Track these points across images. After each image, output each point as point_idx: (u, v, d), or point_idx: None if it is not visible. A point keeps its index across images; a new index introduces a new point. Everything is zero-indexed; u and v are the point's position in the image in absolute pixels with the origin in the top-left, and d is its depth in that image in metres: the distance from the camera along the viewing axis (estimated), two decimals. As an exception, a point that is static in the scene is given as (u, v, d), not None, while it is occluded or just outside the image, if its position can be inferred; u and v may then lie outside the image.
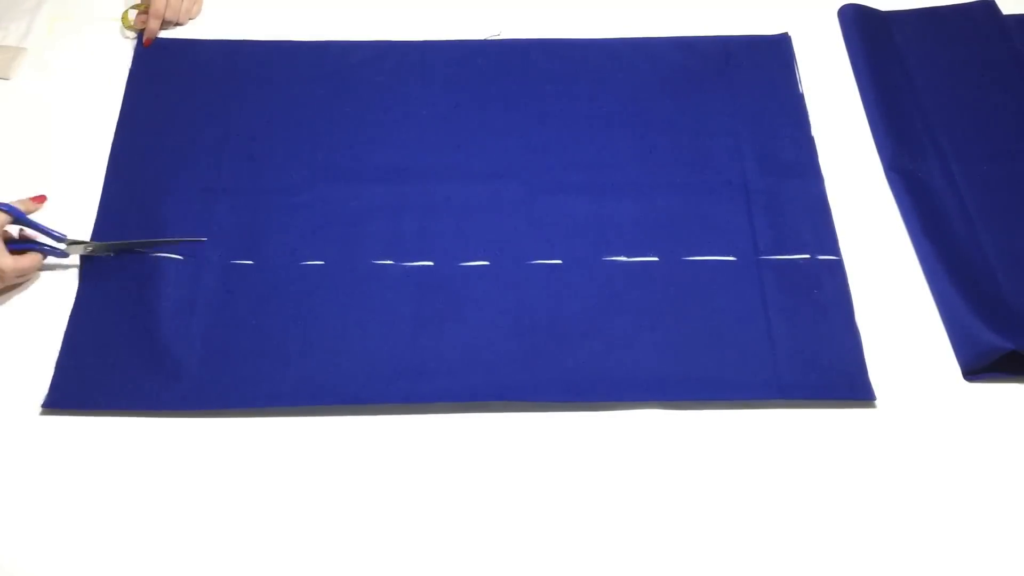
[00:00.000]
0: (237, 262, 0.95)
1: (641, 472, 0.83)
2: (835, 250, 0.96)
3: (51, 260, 0.92)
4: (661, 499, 0.81)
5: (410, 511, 0.81)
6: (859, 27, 1.15)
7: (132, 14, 1.14)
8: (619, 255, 0.95)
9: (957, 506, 0.81)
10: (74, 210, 0.98)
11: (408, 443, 0.84)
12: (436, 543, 0.79)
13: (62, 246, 0.92)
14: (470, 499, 0.81)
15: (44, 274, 0.94)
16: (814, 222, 0.98)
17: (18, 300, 0.92)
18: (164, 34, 1.14)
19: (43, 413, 0.86)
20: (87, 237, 0.96)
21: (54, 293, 0.92)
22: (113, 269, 0.94)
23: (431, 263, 0.95)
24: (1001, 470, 0.83)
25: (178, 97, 1.08)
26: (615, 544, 0.79)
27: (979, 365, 0.88)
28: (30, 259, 0.86)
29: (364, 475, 0.83)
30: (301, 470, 0.83)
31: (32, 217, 0.92)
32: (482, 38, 1.14)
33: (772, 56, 1.13)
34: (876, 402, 0.87)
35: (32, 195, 0.84)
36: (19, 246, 0.90)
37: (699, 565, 0.78)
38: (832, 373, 0.87)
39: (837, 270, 0.94)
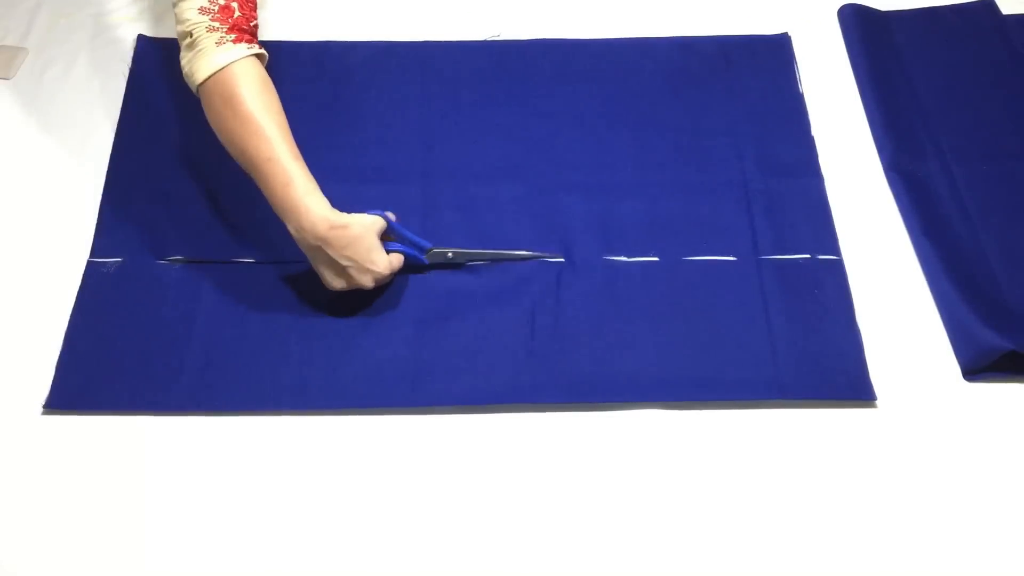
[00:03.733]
0: (238, 262, 0.95)
1: (642, 472, 0.83)
2: (835, 250, 0.96)
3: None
4: (662, 499, 0.81)
5: (411, 511, 0.81)
6: (859, 27, 1.15)
7: None
8: (620, 255, 0.95)
9: (957, 505, 0.81)
10: (74, 210, 0.98)
11: (409, 443, 0.84)
12: (438, 543, 0.79)
13: (423, 253, 0.94)
14: (471, 499, 0.81)
15: (44, 274, 0.94)
16: (814, 222, 0.98)
17: (19, 301, 0.92)
18: (164, 34, 1.14)
19: (44, 413, 0.86)
20: (87, 237, 0.96)
21: (55, 294, 0.92)
22: (114, 269, 0.94)
23: (429, 262, 0.95)
24: (1001, 469, 0.83)
25: (178, 97, 1.08)
26: (617, 544, 0.79)
27: (979, 365, 0.88)
28: (399, 259, 0.90)
29: (365, 475, 0.83)
30: (301, 470, 0.83)
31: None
32: (482, 38, 1.14)
33: (772, 56, 1.13)
34: (876, 401, 0.87)
35: None
36: (388, 246, 0.91)
37: (701, 565, 0.78)
38: (833, 373, 0.88)
39: (837, 270, 0.95)
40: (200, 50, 0.83)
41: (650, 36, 1.15)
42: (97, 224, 0.97)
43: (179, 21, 0.85)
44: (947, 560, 0.78)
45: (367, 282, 0.87)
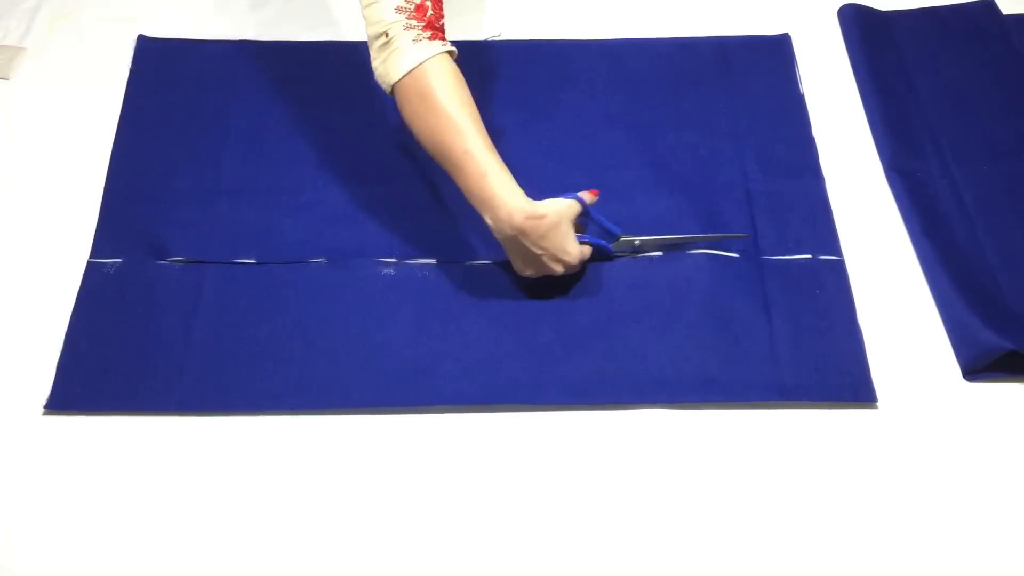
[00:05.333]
0: (239, 262, 0.95)
1: (643, 472, 0.83)
2: (837, 250, 0.96)
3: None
4: (663, 499, 0.81)
5: (412, 511, 0.81)
6: (859, 27, 1.15)
7: None
8: (621, 255, 0.95)
9: (957, 505, 0.81)
10: (74, 210, 0.98)
11: (410, 443, 0.84)
12: (438, 543, 0.79)
13: (611, 240, 0.94)
14: (472, 499, 0.81)
15: (45, 275, 0.94)
16: (815, 222, 0.98)
17: (20, 301, 0.92)
18: (164, 34, 1.14)
19: (45, 414, 0.85)
20: (87, 237, 0.96)
21: (55, 294, 0.92)
22: (114, 269, 0.94)
23: (433, 260, 0.95)
24: (1001, 469, 0.83)
25: (178, 97, 1.08)
26: (618, 544, 0.79)
27: (979, 365, 0.88)
28: (588, 249, 0.91)
29: (365, 475, 0.83)
30: (301, 470, 0.83)
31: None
32: (482, 38, 1.14)
33: (772, 56, 1.13)
34: (877, 402, 0.87)
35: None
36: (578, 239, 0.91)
37: (702, 565, 0.78)
38: (834, 375, 0.88)
39: (839, 270, 0.95)
40: (396, 48, 0.84)
41: (650, 36, 1.15)
42: (97, 224, 0.97)
43: (372, 23, 0.86)
44: (948, 560, 0.78)
45: (558, 270, 0.89)
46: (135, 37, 1.13)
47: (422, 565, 0.78)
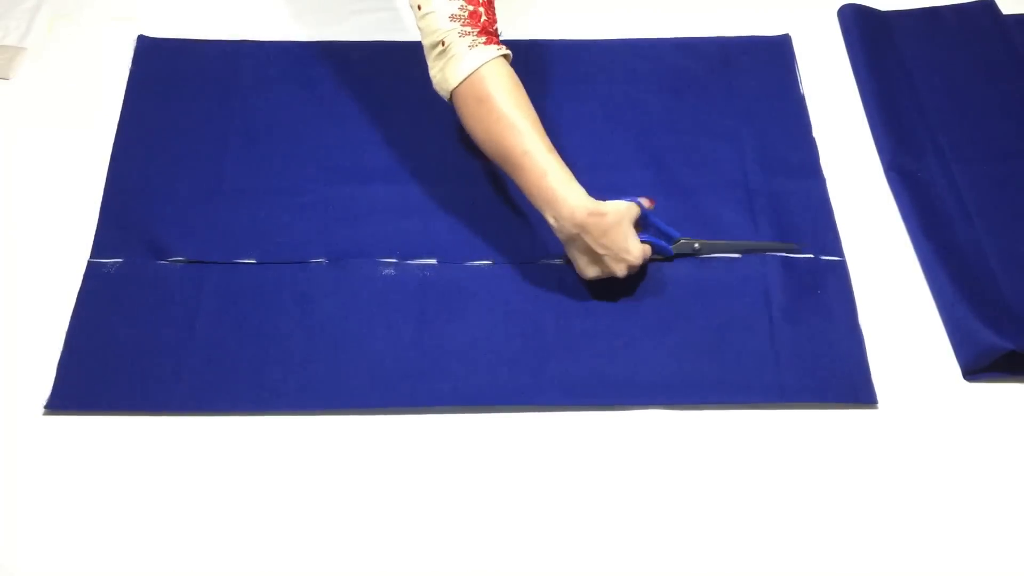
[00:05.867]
0: (239, 262, 0.95)
1: (644, 473, 0.83)
2: (838, 251, 0.96)
3: None
4: (664, 500, 0.81)
5: (412, 511, 0.81)
6: (859, 27, 1.15)
7: None
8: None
9: (957, 504, 0.81)
10: (75, 210, 0.98)
11: (410, 443, 0.84)
12: (438, 543, 0.79)
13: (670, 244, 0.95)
14: (472, 499, 0.81)
15: (45, 275, 0.94)
16: (817, 223, 0.98)
17: (20, 301, 0.92)
18: (164, 34, 1.14)
19: (45, 414, 0.85)
20: (88, 237, 0.96)
21: (56, 294, 0.92)
22: (115, 269, 0.94)
23: (434, 261, 0.95)
24: (1001, 469, 0.83)
25: (179, 97, 1.08)
26: (618, 545, 0.79)
27: (979, 365, 0.88)
28: (648, 248, 0.91)
29: (365, 475, 0.83)
30: (302, 470, 0.83)
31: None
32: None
33: (773, 57, 1.13)
34: (877, 403, 0.87)
35: (643, 197, 0.92)
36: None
37: (703, 566, 0.78)
38: (835, 377, 0.87)
39: (841, 271, 0.95)
40: (453, 55, 0.86)
41: (650, 36, 1.15)
42: (98, 224, 0.97)
43: (428, 33, 0.88)
44: (949, 560, 0.78)
45: (620, 271, 0.89)
46: (135, 37, 1.13)
47: (423, 565, 0.78)
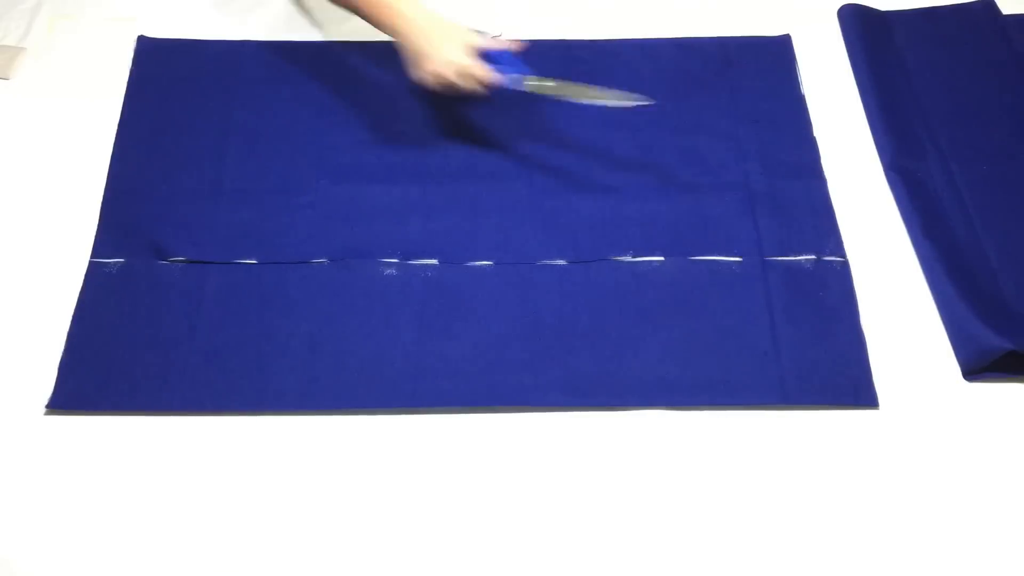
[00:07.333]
0: (240, 262, 0.95)
1: (645, 475, 0.83)
2: (840, 251, 0.96)
3: None
4: (665, 502, 0.82)
5: (412, 511, 0.81)
6: (859, 27, 1.15)
7: None
8: (624, 255, 0.95)
9: (957, 504, 0.81)
10: (76, 210, 0.98)
11: (411, 443, 0.85)
12: (438, 544, 0.79)
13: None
14: (472, 499, 0.82)
15: (46, 275, 0.94)
16: (818, 223, 0.98)
17: (21, 301, 0.92)
18: (164, 34, 1.14)
19: (47, 414, 0.85)
20: (89, 237, 0.96)
21: (57, 294, 0.92)
22: (116, 269, 0.94)
23: (435, 261, 0.95)
24: (1001, 469, 0.83)
25: (179, 97, 1.08)
26: (619, 545, 0.79)
27: (979, 365, 0.88)
28: (490, 75, 0.97)
29: (365, 475, 0.83)
30: (303, 470, 0.83)
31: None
32: (483, 39, 1.14)
33: (773, 57, 1.13)
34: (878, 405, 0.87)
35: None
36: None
37: (704, 567, 0.78)
38: (836, 379, 0.87)
39: (843, 272, 0.94)
40: None
41: (650, 37, 1.15)
42: (98, 224, 0.97)
43: None
44: (949, 561, 0.78)
45: (430, 78, 0.96)
46: (135, 37, 1.13)
47: (423, 565, 0.78)
